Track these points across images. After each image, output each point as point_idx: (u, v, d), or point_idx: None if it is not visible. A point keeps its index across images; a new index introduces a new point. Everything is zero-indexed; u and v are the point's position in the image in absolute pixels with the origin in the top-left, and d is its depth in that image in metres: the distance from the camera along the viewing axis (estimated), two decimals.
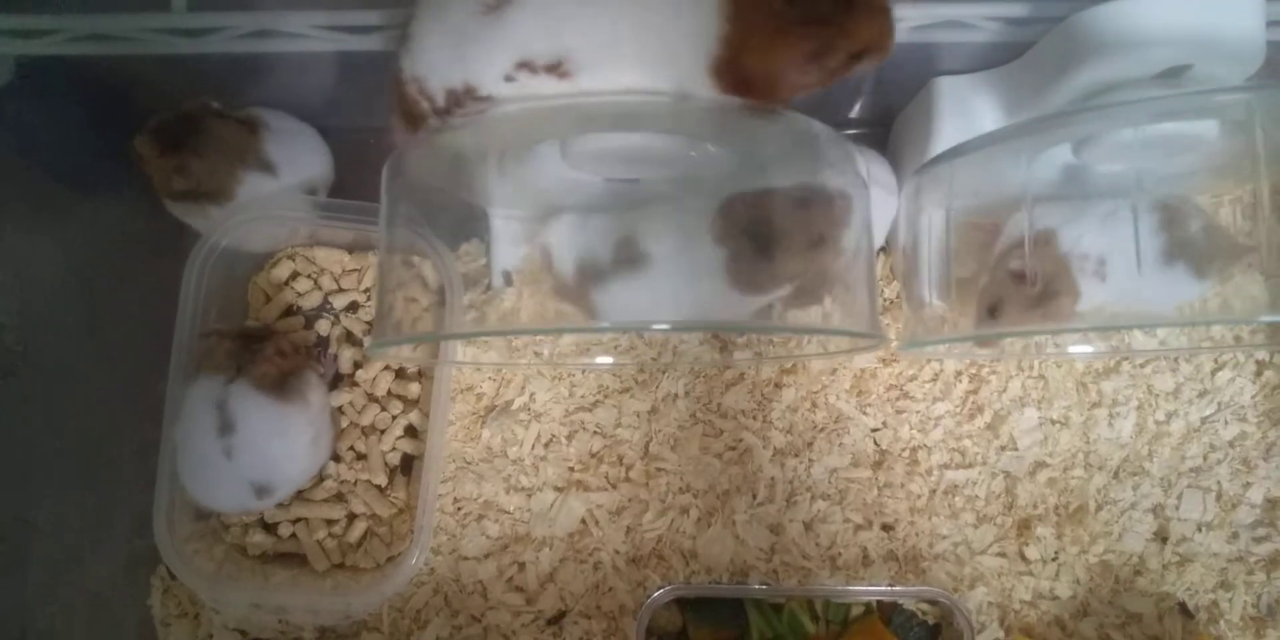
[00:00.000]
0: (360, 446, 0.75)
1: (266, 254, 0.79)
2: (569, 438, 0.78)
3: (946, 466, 0.77)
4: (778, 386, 0.78)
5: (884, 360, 0.78)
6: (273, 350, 0.70)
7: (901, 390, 0.78)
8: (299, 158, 0.76)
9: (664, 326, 0.50)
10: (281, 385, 0.69)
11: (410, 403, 0.76)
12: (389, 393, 0.76)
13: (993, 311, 0.64)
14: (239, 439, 0.67)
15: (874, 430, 0.77)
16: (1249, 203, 0.75)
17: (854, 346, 0.69)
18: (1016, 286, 0.63)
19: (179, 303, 0.70)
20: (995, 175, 0.62)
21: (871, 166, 0.73)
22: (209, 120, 0.71)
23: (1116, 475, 0.76)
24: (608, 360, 0.78)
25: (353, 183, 0.79)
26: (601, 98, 0.58)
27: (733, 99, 0.57)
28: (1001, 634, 0.74)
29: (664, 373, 0.78)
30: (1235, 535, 0.75)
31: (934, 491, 0.76)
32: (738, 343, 0.78)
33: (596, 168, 0.65)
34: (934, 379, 0.78)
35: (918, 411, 0.77)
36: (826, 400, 0.77)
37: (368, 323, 0.78)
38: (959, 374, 0.78)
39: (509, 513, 0.77)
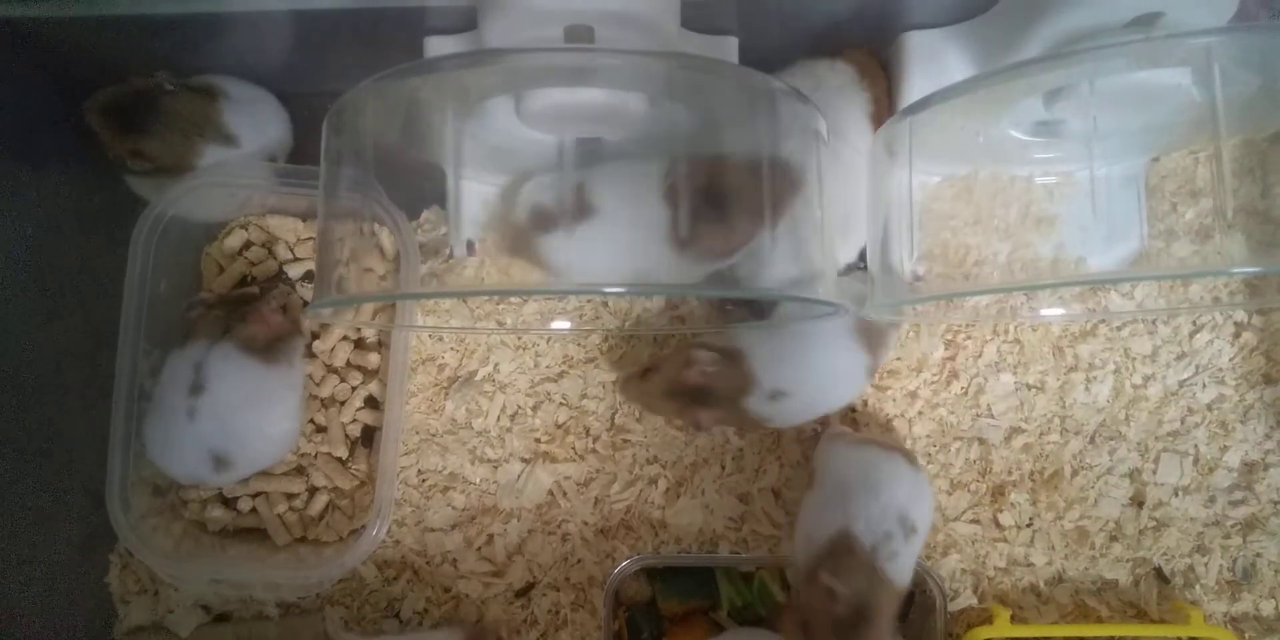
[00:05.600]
0: (320, 418, 0.74)
1: (219, 223, 0.76)
2: (534, 409, 0.76)
3: (920, 434, 0.75)
4: None
5: None
6: (270, 307, 0.68)
7: (887, 368, 0.76)
8: (259, 126, 0.74)
9: (618, 289, 0.49)
10: (269, 348, 0.68)
11: (370, 373, 0.75)
12: (348, 363, 0.74)
13: (804, 629, 0.60)
14: (207, 399, 0.65)
15: (853, 409, 0.76)
16: (1233, 157, 0.73)
17: (813, 315, 0.67)
18: (828, 603, 0.58)
19: (126, 274, 0.68)
20: (954, 131, 0.60)
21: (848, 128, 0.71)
22: (162, 98, 0.69)
23: (1093, 440, 0.75)
24: (567, 325, 0.77)
25: (313, 150, 0.76)
26: (553, 49, 0.56)
27: (688, 54, 0.55)
28: (975, 601, 0.73)
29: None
30: (1212, 499, 0.74)
31: None
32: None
33: (553, 126, 0.63)
34: (914, 355, 0.76)
35: (902, 386, 0.76)
36: None
37: None
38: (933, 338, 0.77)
39: (475, 484, 0.75)
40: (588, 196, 0.61)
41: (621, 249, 0.60)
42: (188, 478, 0.70)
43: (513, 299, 0.77)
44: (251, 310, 0.68)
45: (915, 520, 0.61)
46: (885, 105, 0.72)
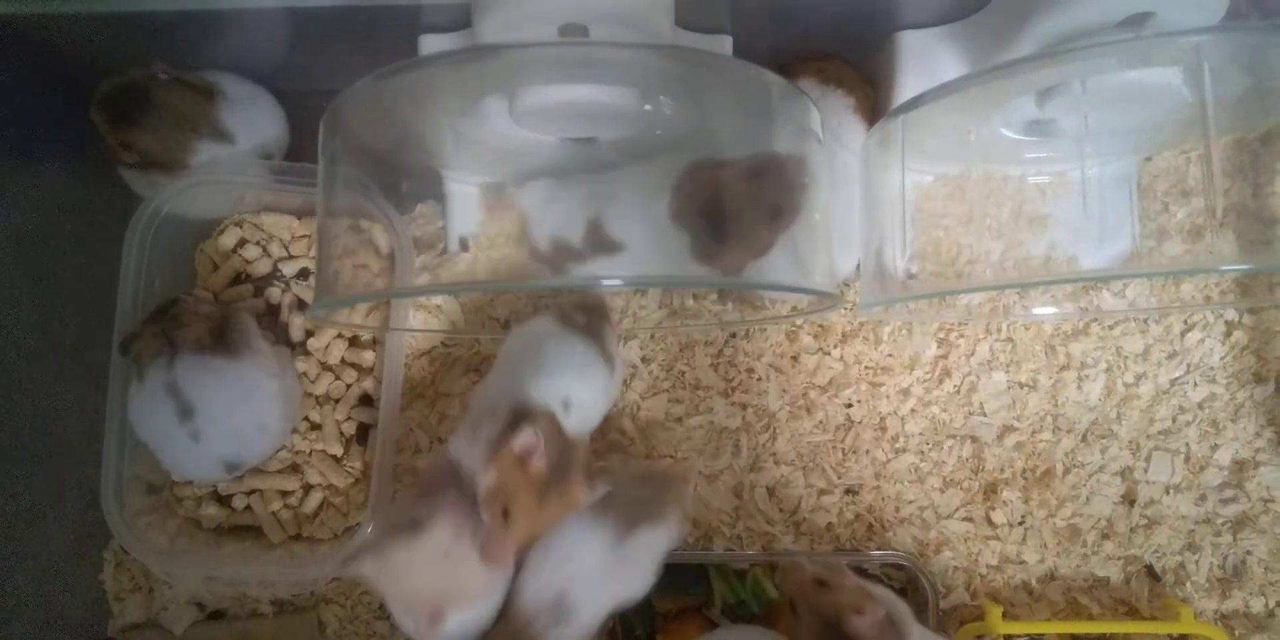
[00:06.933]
0: (315, 416, 0.74)
1: (213, 221, 0.76)
2: None
3: (914, 431, 0.75)
4: (746, 355, 0.76)
5: (867, 339, 0.77)
6: (191, 305, 0.67)
7: (881, 366, 0.76)
8: (256, 124, 0.74)
9: (616, 282, 0.49)
10: (222, 341, 0.67)
11: (365, 371, 0.75)
12: (342, 361, 0.74)
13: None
14: (202, 419, 0.65)
15: (847, 406, 0.76)
16: (1224, 156, 0.74)
17: (810, 308, 0.68)
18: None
19: (120, 271, 0.68)
20: (946, 130, 0.60)
21: (843, 131, 0.71)
22: (157, 90, 0.69)
23: (1085, 438, 0.75)
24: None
25: (309, 147, 0.77)
26: (547, 44, 0.56)
27: (683, 46, 0.55)
28: (967, 598, 0.73)
29: (623, 339, 0.77)
30: (1203, 497, 0.74)
31: (900, 455, 0.75)
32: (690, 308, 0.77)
33: (546, 125, 0.63)
34: (906, 354, 0.77)
35: (895, 384, 0.76)
36: (806, 382, 0.76)
37: None
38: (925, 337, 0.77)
39: None
40: (608, 232, 0.61)
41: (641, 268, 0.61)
42: (203, 482, 0.73)
43: (507, 297, 0.77)
44: (179, 311, 0.67)
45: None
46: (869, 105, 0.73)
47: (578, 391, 0.59)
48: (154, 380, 0.65)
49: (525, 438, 0.52)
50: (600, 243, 0.63)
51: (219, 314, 0.68)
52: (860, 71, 0.74)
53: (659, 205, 0.62)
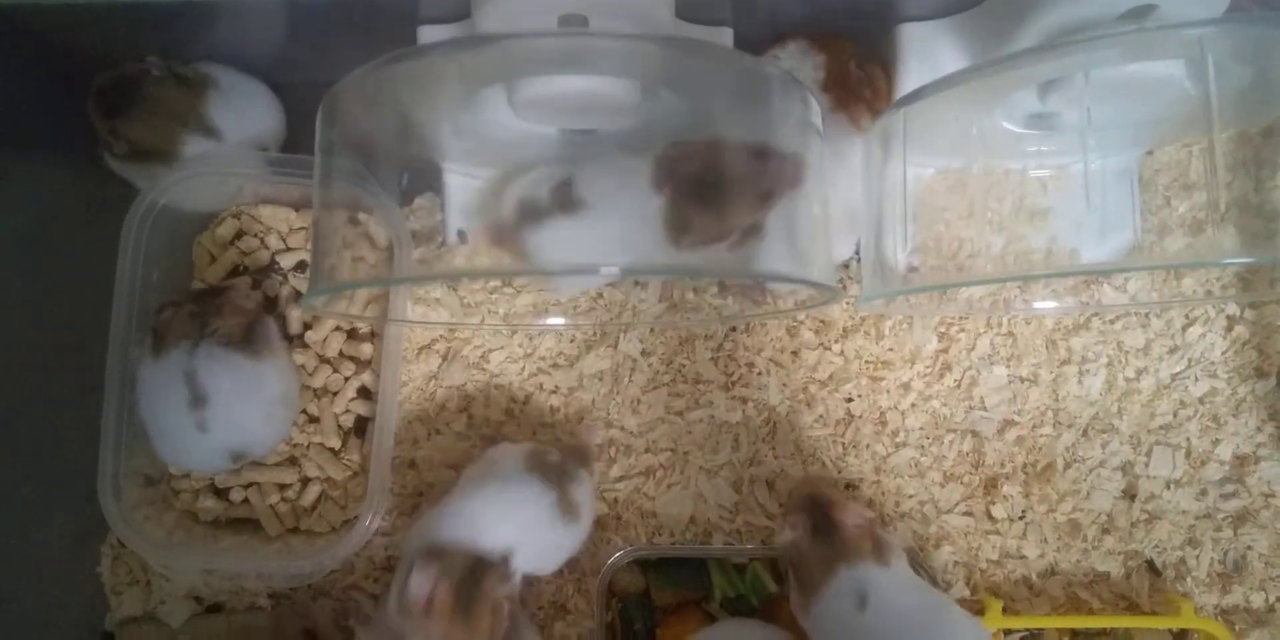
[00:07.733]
0: (313, 409, 0.73)
1: (211, 213, 0.76)
2: (527, 399, 0.76)
3: (913, 426, 0.75)
4: (747, 349, 0.76)
5: (868, 334, 0.76)
6: (238, 298, 0.68)
7: (881, 361, 0.76)
8: (246, 118, 0.74)
9: (613, 270, 0.48)
10: (249, 336, 0.68)
11: (363, 364, 0.75)
12: (341, 354, 0.74)
13: None
14: (213, 411, 0.65)
15: (847, 400, 0.76)
16: (1226, 151, 0.74)
17: (807, 303, 0.67)
18: None
19: (118, 264, 0.68)
20: (948, 123, 0.60)
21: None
22: (148, 84, 0.69)
23: (1085, 433, 0.75)
24: (561, 320, 0.77)
25: (308, 140, 0.76)
26: (545, 34, 0.56)
27: (683, 37, 0.55)
28: (968, 593, 0.73)
29: (623, 333, 0.76)
30: (1204, 492, 0.74)
31: (900, 450, 0.75)
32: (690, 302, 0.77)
33: (546, 116, 0.63)
34: (907, 348, 0.76)
35: (895, 378, 0.76)
36: (807, 376, 0.76)
37: None
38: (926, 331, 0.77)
39: None
40: (576, 190, 0.61)
41: (613, 241, 0.61)
42: (207, 472, 0.73)
43: (506, 290, 0.77)
44: (225, 302, 0.68)
45: None
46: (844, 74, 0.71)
47: (519, 542, 0.61)
48: (172, 364, 0.65)
49: (417, 584, 0.56)
50: (564, 200, 0.63)
51: (257, 311, 0.69)
52: (858, 46, 0.72)
53: (636, 172, 0.61)
